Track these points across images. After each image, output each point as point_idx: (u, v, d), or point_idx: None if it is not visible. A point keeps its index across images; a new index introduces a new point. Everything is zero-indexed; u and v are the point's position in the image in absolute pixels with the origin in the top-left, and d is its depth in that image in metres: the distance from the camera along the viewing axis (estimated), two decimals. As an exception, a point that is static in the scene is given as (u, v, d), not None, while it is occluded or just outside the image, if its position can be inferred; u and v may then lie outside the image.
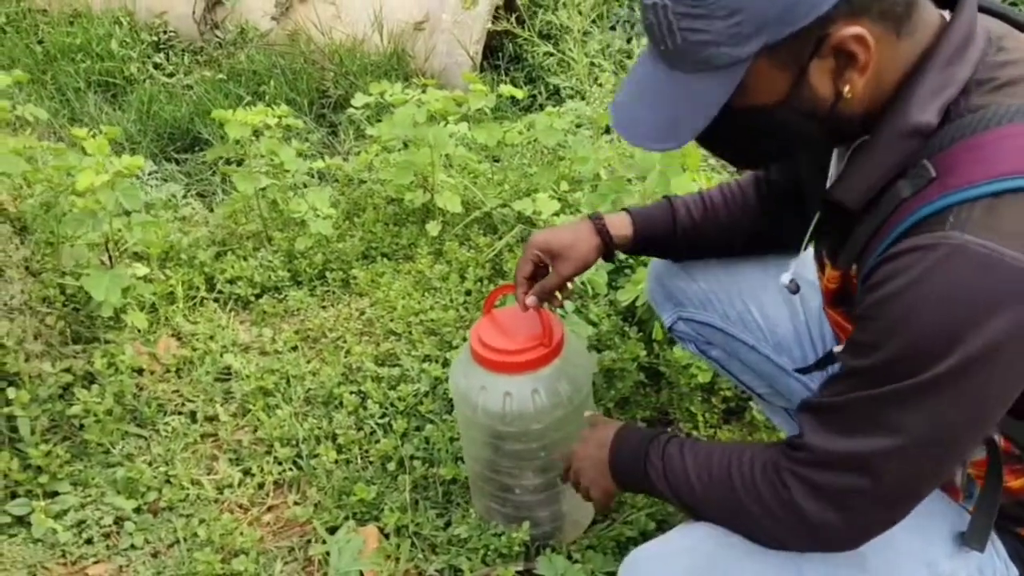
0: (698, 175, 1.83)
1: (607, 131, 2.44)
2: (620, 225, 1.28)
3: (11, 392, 1.54)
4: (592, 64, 2.22)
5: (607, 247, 1.28)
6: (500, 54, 3.70)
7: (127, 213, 1.75)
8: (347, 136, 3.17)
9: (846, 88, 0.81)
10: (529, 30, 2.75)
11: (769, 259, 1.30)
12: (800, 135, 0.88)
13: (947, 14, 0.86)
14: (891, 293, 0.77)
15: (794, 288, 1.15)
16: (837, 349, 0.98)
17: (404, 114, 2.16)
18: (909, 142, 0.82)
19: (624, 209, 1.33)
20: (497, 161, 2.67)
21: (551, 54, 2.75)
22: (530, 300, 1.26)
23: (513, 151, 2.64)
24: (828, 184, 0.97)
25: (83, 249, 1.80)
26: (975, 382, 0.76)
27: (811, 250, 1.11)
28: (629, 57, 2.43)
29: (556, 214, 2.07)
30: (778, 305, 1.30)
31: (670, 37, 0.80)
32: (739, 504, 0.93)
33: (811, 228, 1.01)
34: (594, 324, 1.78)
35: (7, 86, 1.90)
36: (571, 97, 3.42)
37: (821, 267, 1.03)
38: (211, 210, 2.67)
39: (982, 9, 0.89)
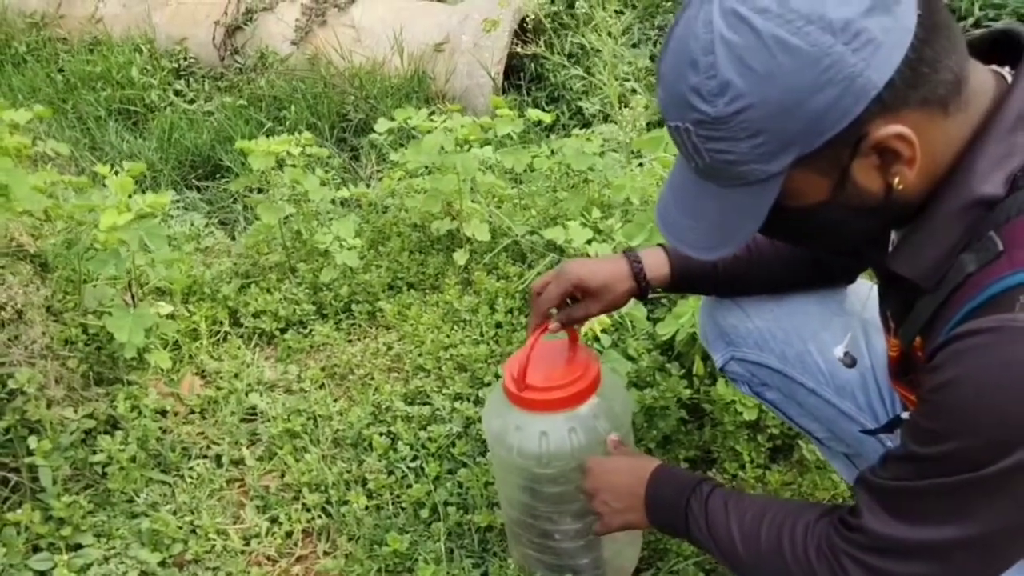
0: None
1: (638, 155, 2.38)
2: (657, 266, 1.24)
3: (32, 441, 1.49)
4: (621, 86, 2.16)
5: (642, 290, 1.24)
6: (521, 74, 3.66)
7: (149, 250, 1.70)
8: (369, 160, 3.13)
9: (896, 180, 0.76)
10: (558, 52, 2.69)
11: (830, 295, 1.23)
12: (857, 229, 0.84)
13: (1007, 71, 0.80)
14: (955, 379, 0.72)
15: (849, 362, 1.11)
16: (904, 415, 0.91)
17: (431, 141, 2.11)
18: (972, 213, 0.77)
19: (660, 245, 1.28)
20: (520, 184, 2.61)
21: (580, 77, 2.69)
22: (553, 325, 1.23)
23: (540, 176, 2.58)
24: (890, 250, 0.91)
25: (105, 288, 1.75)
26: None
27: (875, 291, 1.05)
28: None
29: (588, 242, 2.00)
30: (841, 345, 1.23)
31: (698, 157, 0.79)
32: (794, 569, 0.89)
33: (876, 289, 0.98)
34: (632, 360, 1.71)
35: (27, 121, 1.86)
36: (594, 118, 3.37)
37: (886, 327, 0.97)
38: (233, 239, 2.63)
39: None
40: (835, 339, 1.16)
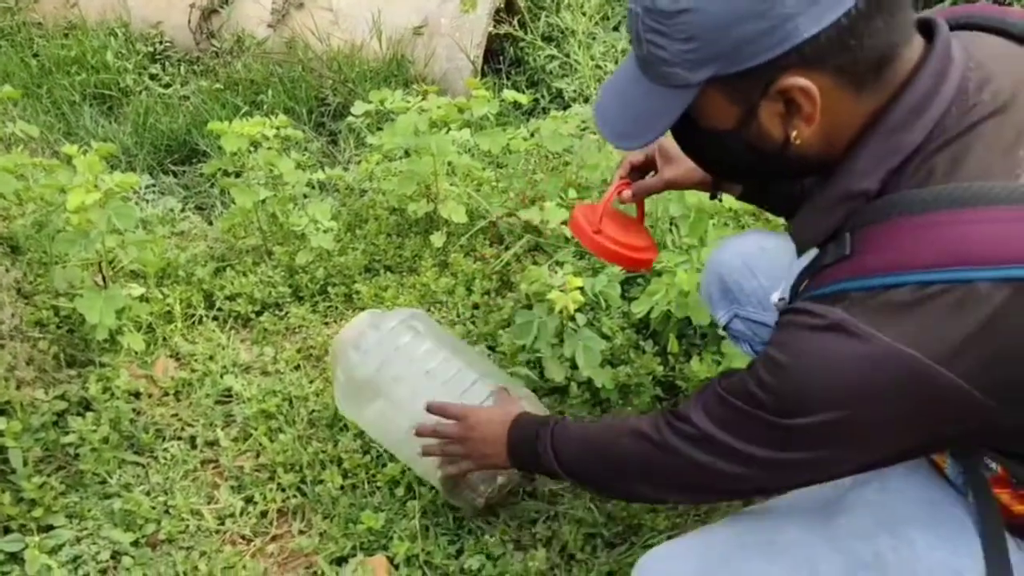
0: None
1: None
2: None
3: (2, 422, 1.47)
4: (597, 67, 2.15)
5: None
6: (501, 58, 3.64)
7: (120, 232, 1.68)
8: (347, 145, 3.11)
9: (793, 134, 0.81)
10: (532, 33, 2.68)
11: None
12: (752, 168, 0.91)
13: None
14: (780, 342, 0.83)
15: (783, 308, 1.13)
16: None
17: (405, 122, 2.10)
18: (849, 205, 0.82)
19: None
20: (501, 168, 2.61)
21: (554, 57, 2.68)
22: (627, 193, 1.28)
23: (517, 158, 2.57)
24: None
25: (76, 270, 1.73)
26: (826, 445, 0.82)
27: None
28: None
29: (564, 222, 2.00)
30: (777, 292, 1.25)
31: (639, 46, 0.85)
32: (619, 457, 1.04)
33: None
34: (607, 338, 1.72)
35: (-4, 103, 1.83)
36: (574, 100, 3.36)
37: None
38: (210, 223, 2.61)
39: (981, 28, 0.86)
40: None
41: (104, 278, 1.77)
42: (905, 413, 0.77)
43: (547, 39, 3.34)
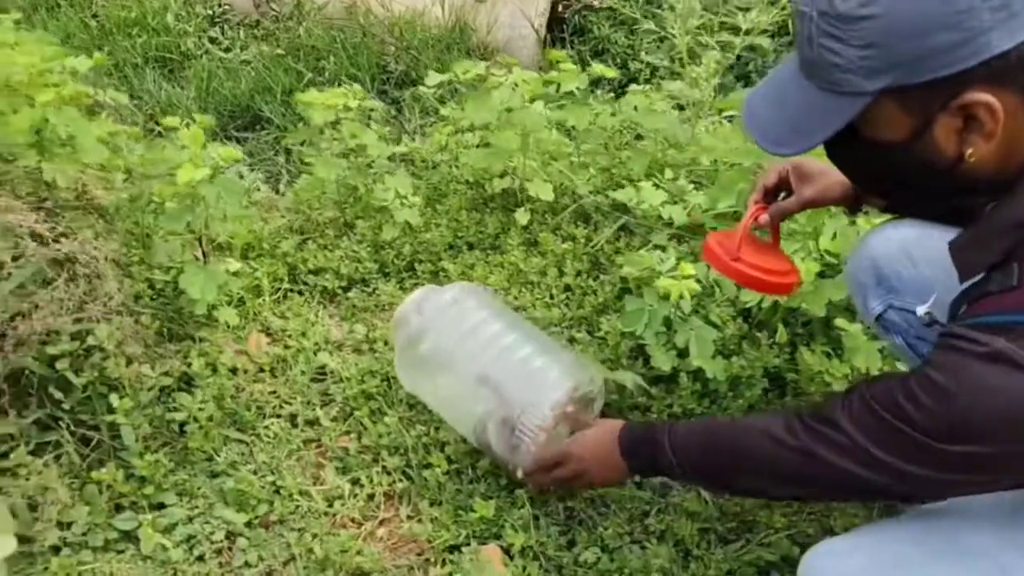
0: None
1: (702, 115, 2.31)
2: None
3: (113, 399, 1.46)
4: (693, 40, 2.09)
5: (857, 194, 1.23)
6: (564, 26, 3.56)
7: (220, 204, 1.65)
8: (412, 114, 3.06)
9: (969, 151, 0.79)
10: (631, 6, 2.60)
11: None
12: (917, 183, 0.87)
13: None
14: (940, 364, 0.83)
15: (928, 321, 1.14)
16: None
17: (499, 97, 2.04)
18: (1018, 233, 0.80)
19: None
20: (571, 141, 2.54)
21: (629, 31, 2.60)
22: (764, 218, 1.25)
23: (590, 133, 2.50)
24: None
25: (176, 243, 1.71)
26: (983, 471, 0.83)
27: None
28: (720, 32, 2.29)
29: (663, 204, 1.95)
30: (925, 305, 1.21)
31: (809, 49, 0.82)
32: (748, 458, 1.04)
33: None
34: (717, 327, 1.67)
35: (88, 70, 1.80)
36: (639, 72, 3.28)
37: None
38: (276, 191, 2.57)
39: None
40: None
41: (204, 253, 1.74)
42: None
43: (612, 11, 3.26)
